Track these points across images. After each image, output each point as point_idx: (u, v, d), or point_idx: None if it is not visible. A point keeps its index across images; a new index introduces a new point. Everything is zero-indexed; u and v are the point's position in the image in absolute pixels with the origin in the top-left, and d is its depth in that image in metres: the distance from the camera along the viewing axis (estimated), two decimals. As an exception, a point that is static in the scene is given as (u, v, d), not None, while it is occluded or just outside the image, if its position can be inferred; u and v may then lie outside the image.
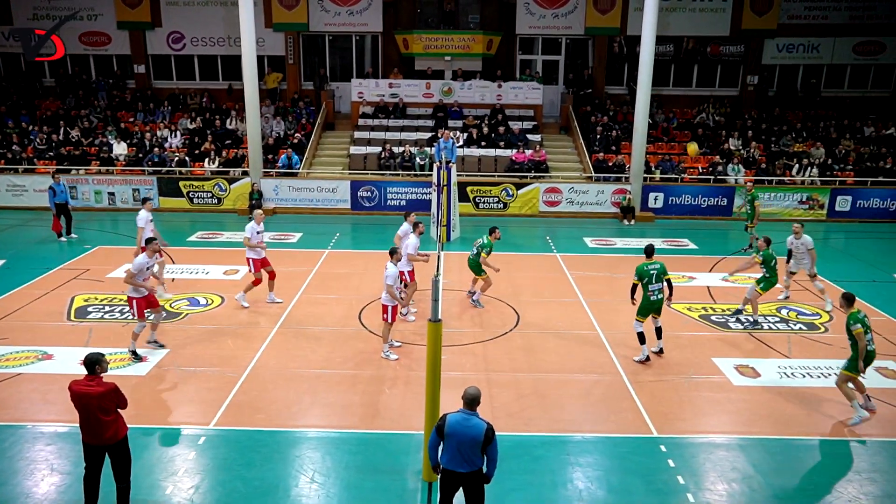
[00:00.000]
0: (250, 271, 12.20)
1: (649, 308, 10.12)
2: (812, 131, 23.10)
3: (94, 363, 6.33)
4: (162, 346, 10.47)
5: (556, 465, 7.67)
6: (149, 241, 10.70)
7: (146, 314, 10.14)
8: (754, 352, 10.78)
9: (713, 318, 12.16)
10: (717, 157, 21.64)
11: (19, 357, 10.08)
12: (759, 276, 11.94)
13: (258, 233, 12.11)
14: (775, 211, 20.34)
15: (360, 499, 7.01)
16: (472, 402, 5.78)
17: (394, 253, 10.12)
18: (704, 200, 20.62)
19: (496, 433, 5.76)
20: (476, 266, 12.24)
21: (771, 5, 23.80)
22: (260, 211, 12.74)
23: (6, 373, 9.57)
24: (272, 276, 12.35)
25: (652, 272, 9.98)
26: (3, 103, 23.67)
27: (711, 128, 23.29)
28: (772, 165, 21.27)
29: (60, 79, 24.97)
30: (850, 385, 8.69)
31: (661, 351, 10.41)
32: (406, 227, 12.19)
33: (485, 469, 5.90)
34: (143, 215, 12.88)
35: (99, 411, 6.26)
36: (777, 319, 12.19)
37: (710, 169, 21.13)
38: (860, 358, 8.42)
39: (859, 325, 8.37)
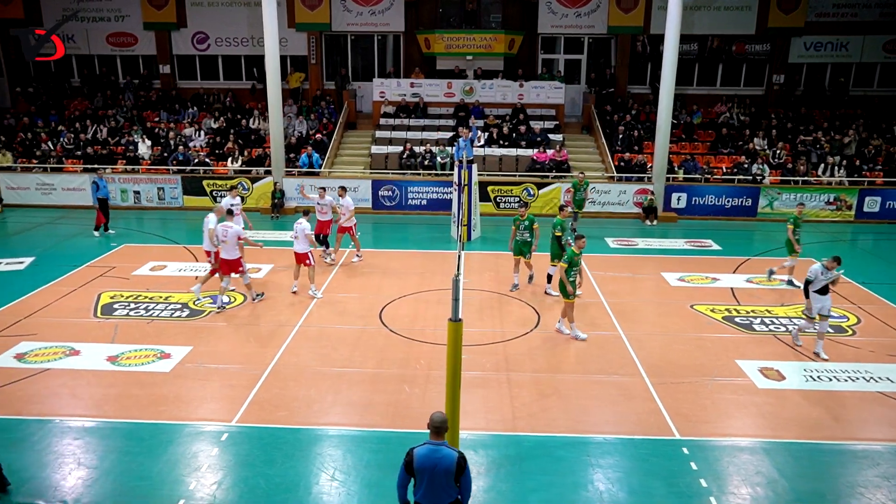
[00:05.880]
0: None
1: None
2: (840, 130, 22.69)
3: None
4: None
5: (576, 466, 7.63)
6: None
7: None
8: (779, 354, 10.63)
9: (737, 319, 12.01)
10: (743, 157, 21.36)
11: (47, 353, 10.26)
12: None
13: None
14: (802, 211, 19.95)
15: (380, 497, 7.02)
16: (438, 430, 5.26)
17: (231, 213, 12.20)
18: (728, 201, 20.36)
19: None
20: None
21: (798, 3, 23.40)
22: None
23: (35, 368, 9.75)
24: None
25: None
26: (33, 103, 24.15)
27: (736, 127, 22.99)
28: (795, 162, 20.92)
29: (87, 79, 25.41)
30: None
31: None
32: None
33: (460, 497, 5.41)
34: (212, 218, 12.54)
35: None
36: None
37: (735, 169, 20.87)
38: None
39: None
